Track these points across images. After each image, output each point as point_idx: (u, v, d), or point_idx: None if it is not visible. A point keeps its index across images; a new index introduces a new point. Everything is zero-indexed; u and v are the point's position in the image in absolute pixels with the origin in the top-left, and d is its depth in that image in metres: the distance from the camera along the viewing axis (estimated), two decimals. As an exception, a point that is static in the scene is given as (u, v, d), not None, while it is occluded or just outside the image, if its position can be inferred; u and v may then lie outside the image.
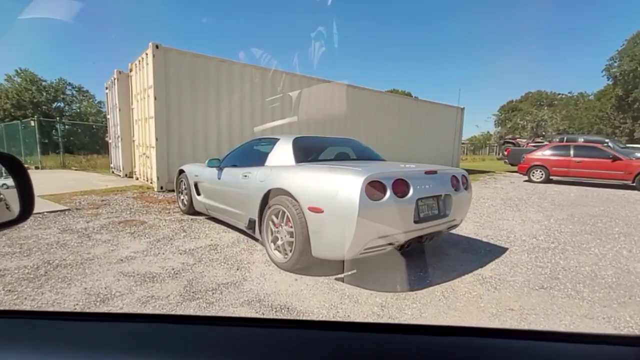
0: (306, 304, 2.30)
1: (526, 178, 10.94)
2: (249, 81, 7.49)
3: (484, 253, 3.47)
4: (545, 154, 10.64)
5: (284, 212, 2.80)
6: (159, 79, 6.38)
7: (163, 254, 3.20)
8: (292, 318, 2.12)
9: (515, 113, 46.47)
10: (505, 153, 14.63)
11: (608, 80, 36.42)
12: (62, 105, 33.76)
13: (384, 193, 2.39)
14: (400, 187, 2.49)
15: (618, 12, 60.46)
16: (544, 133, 30.39)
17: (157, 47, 6.33)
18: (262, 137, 3.96)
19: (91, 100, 35.53)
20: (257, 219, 3.17)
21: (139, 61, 7.28)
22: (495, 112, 51.88)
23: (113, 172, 10.15)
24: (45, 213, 4.45)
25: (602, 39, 66.29)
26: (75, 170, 11.44)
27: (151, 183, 7.04)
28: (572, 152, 10.12)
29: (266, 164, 3.33)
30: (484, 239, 3.97)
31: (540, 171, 10.52)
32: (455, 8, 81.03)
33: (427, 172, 2.78)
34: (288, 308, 2.23)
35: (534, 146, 14.15)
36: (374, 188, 2.35)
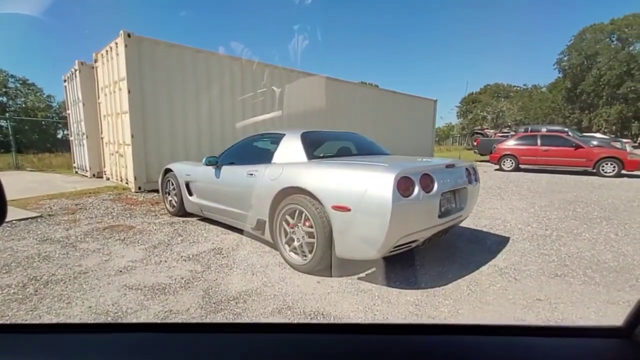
0: (339, 307, 2.20)
1: (497, 167, 11.46)
2: (228, 74, 7.14)
3: (489, 243, 3.53)
4: (514, 143, 11.19)
5: (301, 212, 2.66)
6: (132, 71, 5.89)
7: (165, 261, 2.95)
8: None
9: (476, 105, 48.59)
10: (475, 143, 15.23)
11: (559, 73, 39.06)
12: (4, 99, 30.75)
13: (413, 189, 2.32)
14: (427, 182, 2.44)
15: (570, 10, 64.90)
16: (509, 124, 32.04)
17: (129, 35, 5.83)
18: (264, 132, 3.77)
19: (39, 94, 32.67)
20: (267, 219, 3.00)
21: (107, 51, 6.69)
22: (457, 104, 53.93)
23: (77, 172, 9.35)
24: (14, 221, 3.97)
25: (555, 33, 70.89)
26: (31, 171, 10.44)
27: (126, 183, 6.54)
28: (538, 141, 10.72)
29: (273, 161, 3.15)
30: (484, 229, 4.06)
31: (511, 160, 11.05)
32: (421, 6, 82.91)
33: (447, 166, 2.75)
34: (322, 314, 2.12)
35: (501, 136, 14.85)
36: (404, 184, 2.27)
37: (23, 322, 2.01)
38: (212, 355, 0.65)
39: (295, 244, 2.76)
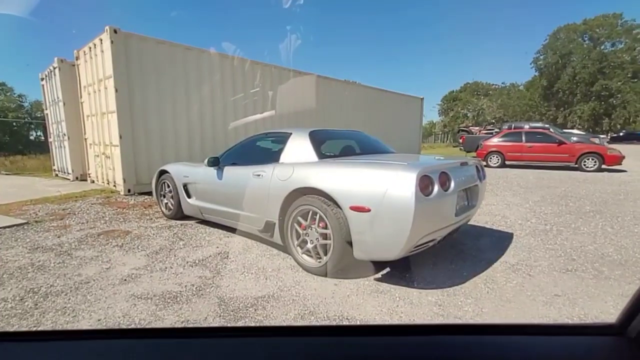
0: (362, 310, 2.15)
1: (484, 163, 11.68)
2: (219, 72, 6.96)
3: (495, 240, 3.56)
4: (500, 140, 11.43)
5: (315, 213, 2.59)
6: (119, 69, 5.64)
7: (171, 267, 2.82)
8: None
9: (456, 103, 49.60)
10: (461, 141, 15.50)
11: (536, 71, 40.29)
12: (-30, 100, 29.16)
13: (433, 187, 2.29)
14: (444, 180, 2.41)
15: (544, 9, 67.08)
16: (493, 121, 32.83)
17: (115, 31, 5.57)
18: (268, 131, 3.66)
19: (9, 94, 31.13)
20: (276, 221, 2.91)
21: (90, 48, 6.39)
22: (438, 102, 54.87)
23: (57, 175, 8.92)
24: (-2, 229, 3.72)
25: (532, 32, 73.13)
26: (6, 174, 9.90)
27: (114, 186, 6.27)
28: (523, 138, 10.99)
29: (281, 160, 3.05)
30: (487, 226, 4.09)
31: (497, 157, 11.30)
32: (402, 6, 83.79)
33: (461, 164, 2.74)
34: (347, 318, 2.06)
35: (486, 133, 15.18)
36: (425, 183, 2.24)
37: (20, 330, 1.86)
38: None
39: (309, 246, 2.69)
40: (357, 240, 2.37)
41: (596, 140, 12.00)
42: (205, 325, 1.98)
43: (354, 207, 2.34)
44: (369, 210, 2.28)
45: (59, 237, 3.59)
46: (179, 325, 1.98)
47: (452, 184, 2.47)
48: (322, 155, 2.95)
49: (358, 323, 2.00)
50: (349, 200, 2.37)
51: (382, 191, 2.24)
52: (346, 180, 2.46)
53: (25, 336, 0.85)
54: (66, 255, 3.08)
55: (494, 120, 33.32)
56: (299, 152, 3.02)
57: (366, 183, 2.35)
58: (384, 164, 2.50)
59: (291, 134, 3.21)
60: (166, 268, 2.81)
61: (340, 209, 2.43)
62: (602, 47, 35.50)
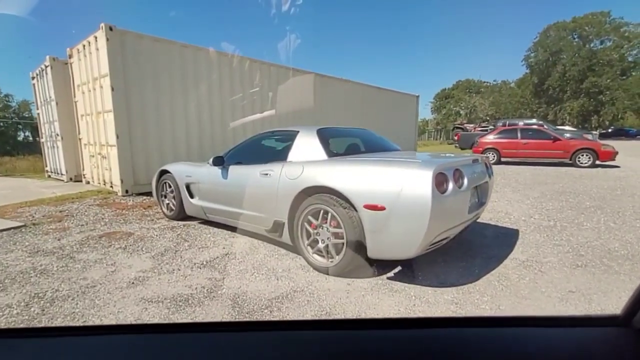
0: (379, 310, 2.12)
1: (480, 160, 11.75)
2: (217, 70, 6.86)
3: (502, 237, 3.57)
4: (496, 137, 11.51)
5: (326, 212, 2.55)
6: (115, 67, 5.51)
7: (179, 269, 2.76)
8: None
9: (449, 100, 49.90)
10: (456, 138, 15.60)
11: (526, 69, 40.69)
12: (-46, 101, 28.45)
13: (448, 185, 2.27)
14: (458, 177, 2.40)
15: (535, 7, 67.81)
16: (487, 118, 33.08)
17: (111, 29, 5.45)
18: (274, 130, 3.60)
19: (-5, 94, 30.41)
20: (286, 221, 2.87)
21: (84, 46, 6.24)
22: (431, 99, 55.12)
23: (50, 176, 8.73)
24: (-5, 232, 3.61)
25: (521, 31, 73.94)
26: (-3, 176, 9.66)
27: (111, 187, 6.15)
28: (519, 135, 11.07)
29: (289, 159, 3.01)
30: (492, 222, 4.10)
31: (493, 153, 11.36)
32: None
33: (473, 161, 2.73)
34: (365, 318, 2.03)
35: (480, 130, 15.29)
36: (440, 180, 2.22)
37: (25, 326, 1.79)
38: (217, 354, 0.65)
39: (320, 245, 2.65)
40: (371, 239, 2.34)
41: (589, 137, 12.16)
42: (214, 320, 1.96)
43: (368, 206, 2.31)
44: (383, 209, 2.25)
45: (59, 239, 3.49)
46: (186, 320, 1.95)
47: (466, 181, 2.45)
48: (331, 154, 2.92)
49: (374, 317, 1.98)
50: (363, 199, 2.34)
51: (398, 189, 2.21)
52: (360, 178, 2.43)
53: (31, 332, 0.85)
54: (68, 258, 2.99)
55: (487, 118, 33.59)
56: (307, 150, 2.97)
57: (381, 181, 2.32)
58: (398, 161, 2.48)
59: (298, 132, 3.16)
60: (174, 270, 2.75)
61: (354, 207, 2.39)
62: (592, 45, 36.00)
